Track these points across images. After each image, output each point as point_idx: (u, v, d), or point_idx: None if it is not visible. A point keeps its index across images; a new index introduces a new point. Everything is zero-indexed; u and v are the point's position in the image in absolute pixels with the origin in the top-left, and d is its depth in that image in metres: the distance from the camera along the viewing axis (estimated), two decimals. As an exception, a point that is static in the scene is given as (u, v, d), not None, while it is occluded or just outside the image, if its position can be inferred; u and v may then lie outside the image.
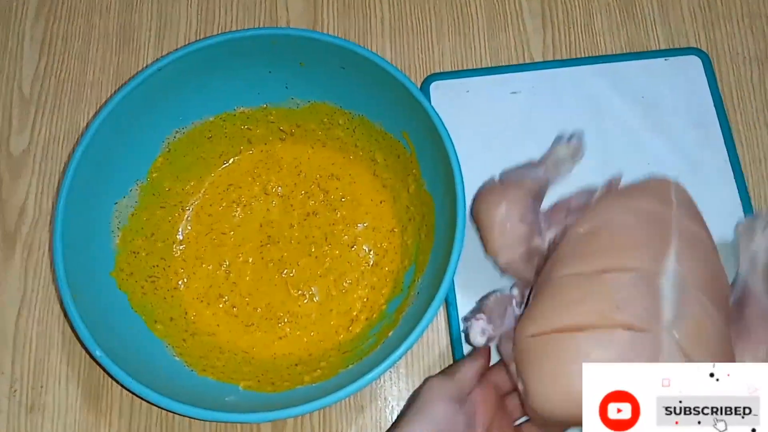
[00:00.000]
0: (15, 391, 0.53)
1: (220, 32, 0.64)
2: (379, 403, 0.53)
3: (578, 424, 0.41)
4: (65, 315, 0.46)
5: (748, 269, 0.51)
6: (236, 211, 0.57)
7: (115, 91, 0.49)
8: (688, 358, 0.41)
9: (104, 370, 0.45)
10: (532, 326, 0.43)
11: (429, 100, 0.59)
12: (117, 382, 0.44)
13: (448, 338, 0.54)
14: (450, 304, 0.54)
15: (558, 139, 0.57)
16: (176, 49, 0.50)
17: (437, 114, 0.49)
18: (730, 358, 0.44)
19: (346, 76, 0.52)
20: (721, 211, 0.55)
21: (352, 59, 0.51)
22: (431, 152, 0.51)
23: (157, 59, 0.51)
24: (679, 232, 0.46)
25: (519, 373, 0.44)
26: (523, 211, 0.49)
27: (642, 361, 0.41)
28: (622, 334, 0.41)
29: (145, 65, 0.63)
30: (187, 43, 0.64)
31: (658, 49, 0.62)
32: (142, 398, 0.44)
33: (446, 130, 0.48)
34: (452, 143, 0.48)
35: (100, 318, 0.46)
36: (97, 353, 0.44)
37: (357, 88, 0.53)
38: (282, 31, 0.52)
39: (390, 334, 0.49)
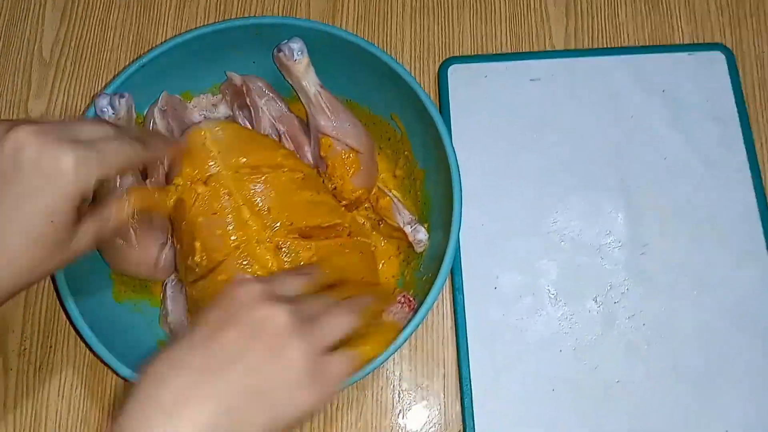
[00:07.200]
0: (24, 349, 0.54)
1: (239, 3, 0.64)
2: (381, 382, 0.53)
3: None
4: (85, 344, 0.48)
5: (312, 112, 0.51)
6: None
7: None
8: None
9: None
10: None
11: (446, 84, 0.59)
12: None
13: (453, 319, 0.54)
14: (456, 289, 0.54)
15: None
16: (160, 44, 0.51)
17: (424, 91, 0.49)
18: None
19: (331, 61, 0.51)
20: (737, 211, 0.55)
21: (333, 43, 0.51)
22: (421, 130, 0.51)
23: (137, 58, 0.51)
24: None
25: None
26: None
27: None
28: None
29: (164, 33, 0.64)
30: (206, 12, 0.64)
31: (682, 43, 0.62)
32: None
33: (434, 106, 0.49)
34: (441, 117, 0.49)
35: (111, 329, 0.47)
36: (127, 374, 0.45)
37: (342, 73, 0.52)
38: (262, 20, 0.52)
39: None
